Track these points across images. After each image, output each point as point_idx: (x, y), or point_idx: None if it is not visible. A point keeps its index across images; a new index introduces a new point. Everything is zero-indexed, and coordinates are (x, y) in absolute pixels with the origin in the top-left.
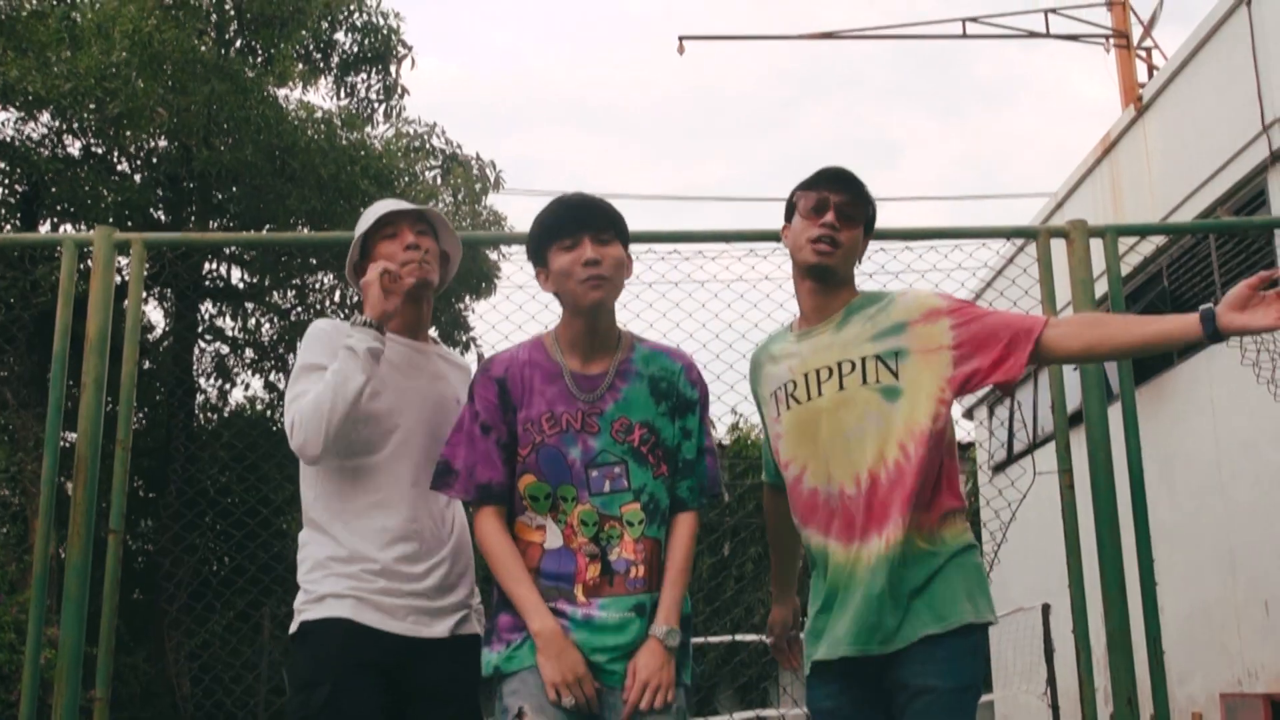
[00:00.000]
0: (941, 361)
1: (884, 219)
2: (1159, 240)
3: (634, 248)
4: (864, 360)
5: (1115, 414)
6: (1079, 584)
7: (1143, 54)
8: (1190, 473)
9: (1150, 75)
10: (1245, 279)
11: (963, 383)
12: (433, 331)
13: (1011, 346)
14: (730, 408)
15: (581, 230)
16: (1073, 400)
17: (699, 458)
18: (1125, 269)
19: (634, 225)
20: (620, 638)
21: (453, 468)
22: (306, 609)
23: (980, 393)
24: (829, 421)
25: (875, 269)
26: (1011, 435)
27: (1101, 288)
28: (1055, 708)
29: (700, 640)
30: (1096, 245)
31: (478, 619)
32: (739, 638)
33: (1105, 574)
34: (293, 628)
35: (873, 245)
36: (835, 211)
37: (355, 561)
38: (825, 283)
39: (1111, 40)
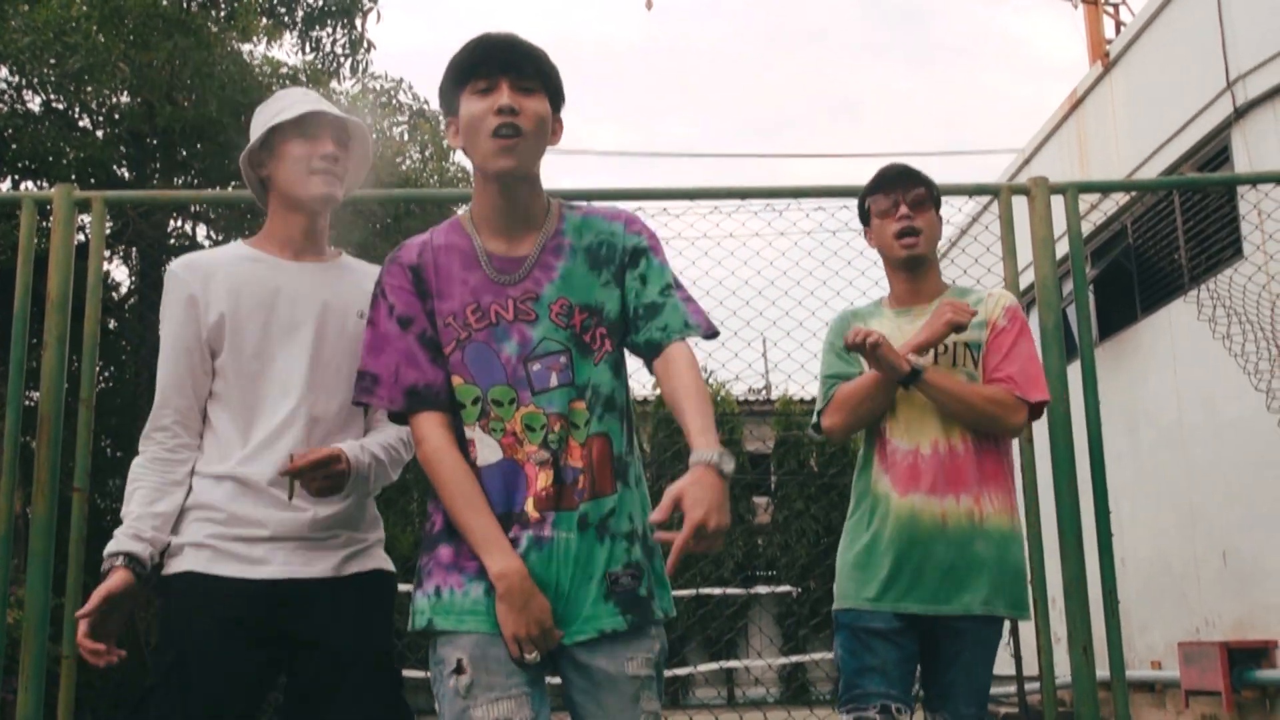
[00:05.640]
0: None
1: (848, 175)
2: (1123, 196)
3: (600, 205)
4: (955, 344)
5: (1075, 370)
6: (1037, 537)
7: (1110, 9)
8: (1152, 427)
9: (1118, 31)
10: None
11: None
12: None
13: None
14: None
15: (501, 73)
16: None
17: (666, 296)
18: (1089, 227)
19: (599, 182)
20: (584, 568)
21: (372, 372)
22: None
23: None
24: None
25: (839, 226)
26: None
27: (1064, 247)
28: (1018, 656)
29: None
30: (1060, 202)
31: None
32: (704, 591)
33: (1062, 527)
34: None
35: (835, 202)
36: (907, 205)
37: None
38: (917, 269)
39: None
